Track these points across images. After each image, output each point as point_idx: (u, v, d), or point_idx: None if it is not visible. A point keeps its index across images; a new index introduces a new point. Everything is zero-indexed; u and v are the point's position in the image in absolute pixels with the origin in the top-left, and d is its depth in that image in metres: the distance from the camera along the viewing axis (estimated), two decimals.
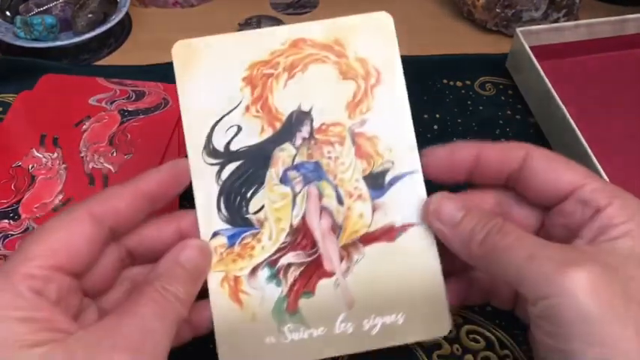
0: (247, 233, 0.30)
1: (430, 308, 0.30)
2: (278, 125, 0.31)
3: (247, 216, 0.30)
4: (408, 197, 0.31)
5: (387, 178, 0.31)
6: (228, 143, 0.31)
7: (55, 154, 0.43)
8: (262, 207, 0.30)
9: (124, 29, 0.59)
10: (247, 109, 0.31)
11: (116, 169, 0.43)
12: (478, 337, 0.35)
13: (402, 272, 0.30)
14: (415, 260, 0.30)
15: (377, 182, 0.31)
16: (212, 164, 0.31)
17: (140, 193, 0.29)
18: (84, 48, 0.56)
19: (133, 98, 0.47)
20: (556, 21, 0.57)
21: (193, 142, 0.31)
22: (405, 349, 0.34)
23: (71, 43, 0.55)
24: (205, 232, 0.30)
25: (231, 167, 0.31)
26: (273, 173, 0.31)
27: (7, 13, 0.57)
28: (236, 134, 0.31)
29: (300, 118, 0.31)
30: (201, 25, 0.60)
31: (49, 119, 0.46)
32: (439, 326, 0.30)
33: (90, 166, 0.43)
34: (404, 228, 0.30)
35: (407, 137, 0.31)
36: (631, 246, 0.26)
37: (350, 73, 0.31)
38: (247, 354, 0.29)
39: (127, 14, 0.60)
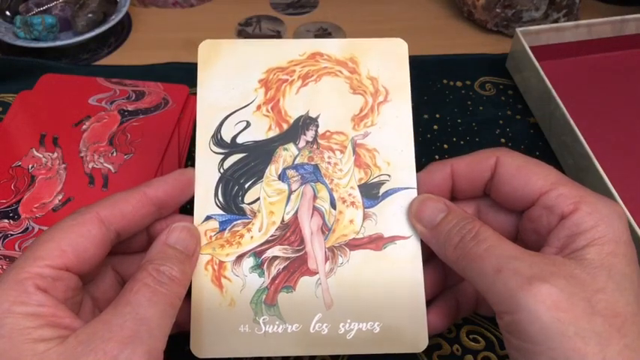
0: (239, 221, 0.31)
1: (408, 322, 0.30)
2: (285, 126, 0.33)
3: (242, 205, 0.31)
4: (400, 211, 0.31)
5: (382, 189, 0.32)
6: (236, 136, 0.32)
7: (55, 154, 0.43)
8: (257, 199, 0.32)
9: (123, 29, 0.59)
10: (258, 107, 0.33)
11: (116, 169, 0.42)
12: (478, 337, 0.35)
13: (385, 282, 0.30)
14: (399, 273, 0.30)
15: (371, 192, 0.32)
16: (217, 153, 0.32)
17: (147, 200, 0.29)
18: (84, 48, 0.56)
19: (132, 98, 0.47)
20: (556, 21, 0.57)
21: (203, 130, 0.32)
22: None
23: (71, 43, 0.55)
24: (199, 215, 0.31)
25: (234, 158, 0.32)
26: (272, 169, 0.32)
27: (7, 13, 0.57)
28: (244, 129, 0.33)
29: (306, 122, 0.33)
30: (201, 25, 0.60)
31: (49, 119, 0.45)
32: (415, 342, 0.30)
33: (90, 166, 0.43)
34: (392, 239, 0.31)
35: (406, 155, 0.32)
36: (600, 254, 0.25)
37: (360, 88, 0.33)
38: (219, 338, 0.30)
39: (127, 14, 0.60)
